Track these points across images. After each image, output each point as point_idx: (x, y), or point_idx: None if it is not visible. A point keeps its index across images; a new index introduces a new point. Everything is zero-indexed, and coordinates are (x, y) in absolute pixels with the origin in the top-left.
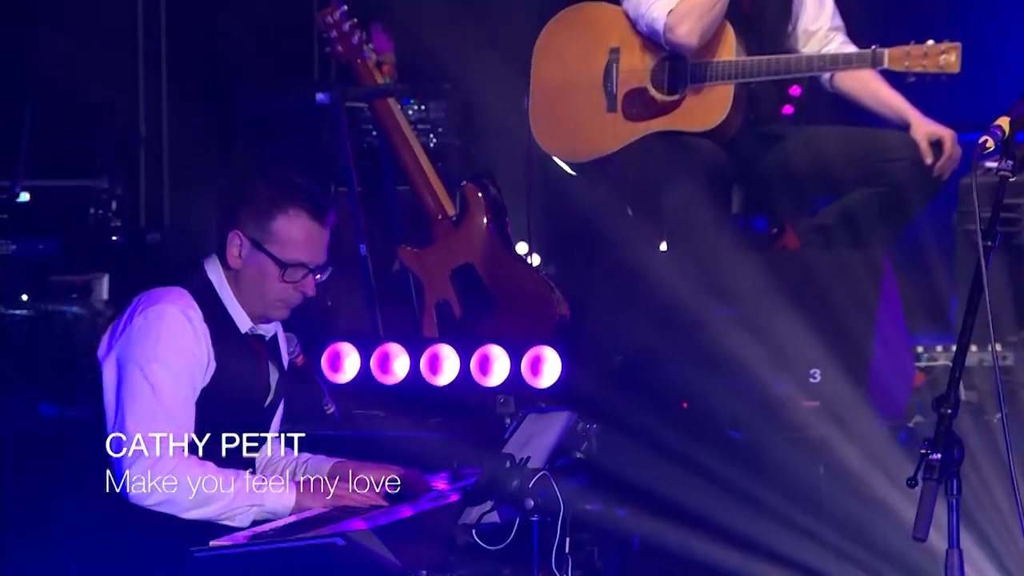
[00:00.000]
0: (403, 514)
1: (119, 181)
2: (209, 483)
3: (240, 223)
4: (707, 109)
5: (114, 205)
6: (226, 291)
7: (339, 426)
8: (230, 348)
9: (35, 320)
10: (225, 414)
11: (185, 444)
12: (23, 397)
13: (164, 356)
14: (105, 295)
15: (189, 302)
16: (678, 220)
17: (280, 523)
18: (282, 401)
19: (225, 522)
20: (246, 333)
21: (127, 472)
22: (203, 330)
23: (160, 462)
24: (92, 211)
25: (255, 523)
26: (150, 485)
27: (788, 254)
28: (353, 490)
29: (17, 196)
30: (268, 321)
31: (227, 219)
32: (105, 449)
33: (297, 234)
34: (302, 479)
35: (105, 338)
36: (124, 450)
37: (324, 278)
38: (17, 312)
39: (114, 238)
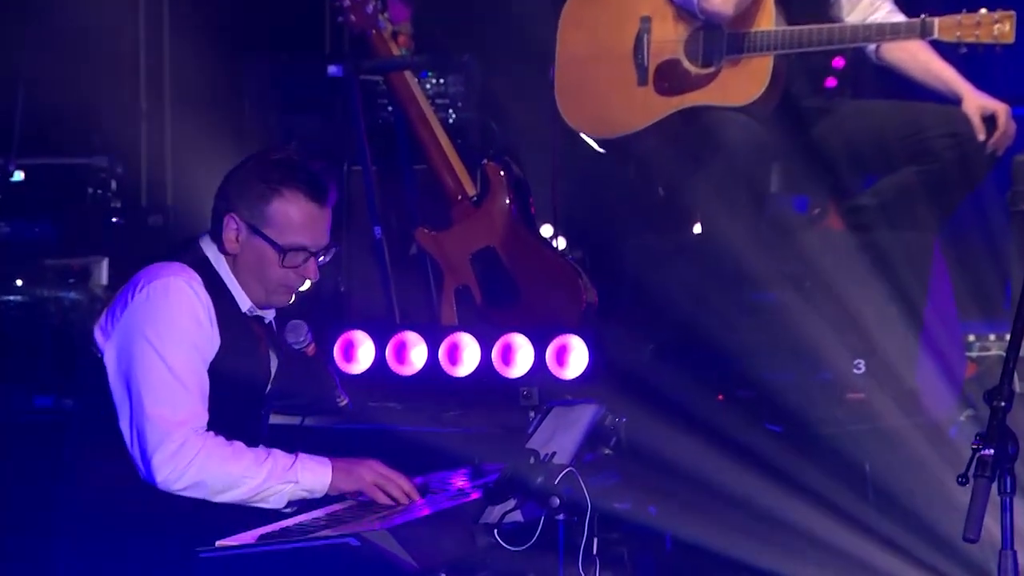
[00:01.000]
0: (421, 513)
1: (119, 159)
2: (240, 463)
3: (235, 206)
4: (744, 82)
5: (114, 184)
6: (224, 269)
7: (352, 419)
8: (232, 326)
9: (30, 307)
10: (226, 399)
11: (205, 421)
12: (17, 388)
13: (175, 330)
14: (104, 280)
15: (192, 274)
16: (713, 200)
17: (290, 522)
18: (278, 391)
19: (259, 504)
20: (246, 313)
21: (153, 458)
22: (208, 302)
23: (187, 444)
24: (90, 191)
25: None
26: (180, 470)
27: (830, 236)
28: (388, 477)
29: (10, 175)
30: (269, 307)
31: (222, 202)
32: (111, 439)
33: (295, 217)
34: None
35: (103, 322)
36: (147, 435)
37: (328, 260)
38: (11, 298)
39: (114, 220)
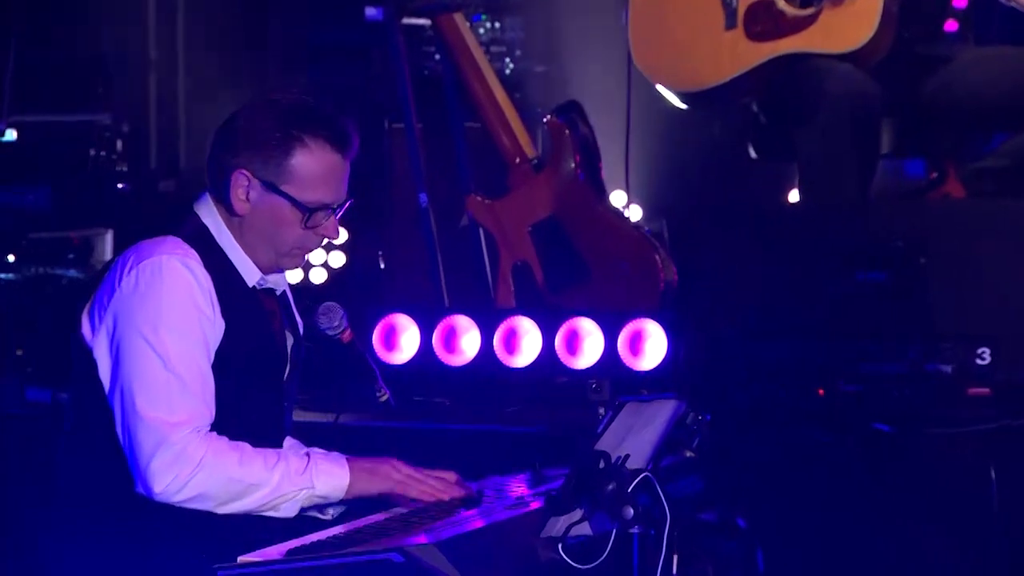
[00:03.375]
0: (473, 525)
1: (125, 116)
2: (249, 468)
3: (246, 160)
4: (850, 25)
5: (119, 145)
6: (227, 238)
7: (394, 416)
8: (238, 305)
9: (22, 286)
10: (238, 391)
11: (208, 422)
12: (7, 380)
13: (170, 318)
14: (108, 255)
15: (187, 250)
16: (813, 163)
17: (322, 535)
18: (299, 376)
19: (269, 513)
20: (254, 287)
21: (150, 466)
22: (207, 282)
23: (187, 449)
24: (92, 152)
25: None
26: (181, 479)
27: (950, 204)
28: (414, 476)
29: (1, 134)
30: (279, 271)
31: (228, 156)
32: (108, 443)
33: (319, 169)
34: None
35: (89, 311)
36: (140, 440)
37: (342, 214)
38: (1, 276)
39: (119, 185)
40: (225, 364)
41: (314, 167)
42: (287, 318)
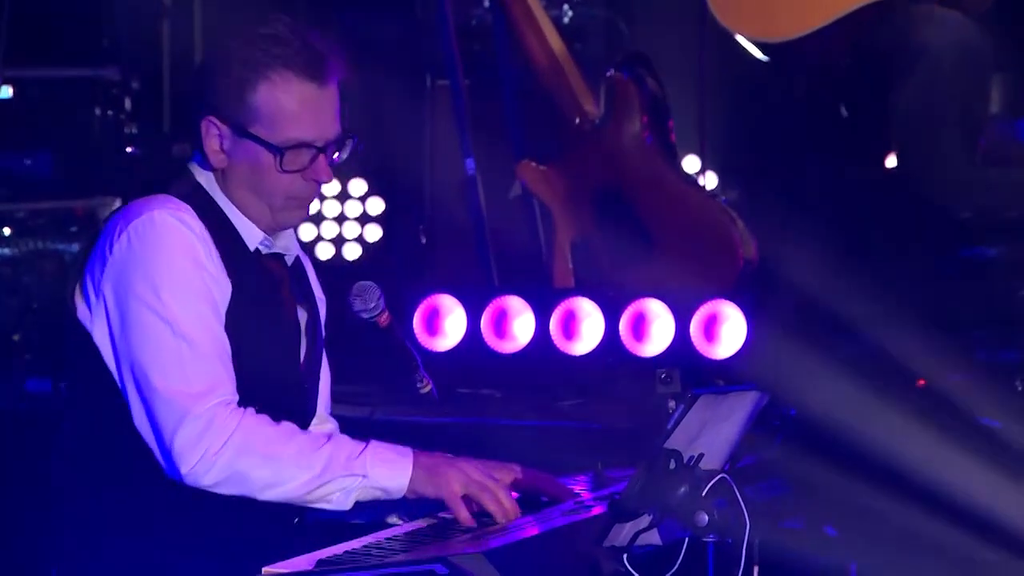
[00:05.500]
0: (527, 532)
1: (134, 70)
2: (290, 446)
3: (212, 104)
4: None
5: (128, 104)
6: (222, 196)
7: (437, 410)
8: (241, 270)
9: (20, 262)
10: (248, 367)
11: (233, 391)
12: (4, 368)
13: (171, 278)
14: None
15: (179, 204)
16: (913, 123)
17: (356, 543)
18: (322, 354)
19: (317, 505)
20: (257, 249)
21: (174, 445)
22: (205, 235)
23: (215, 422)
24: (98, 112)
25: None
26: (210, 457)
27: None
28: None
29: None
30: (282, 228)
31: (195, 102)
32: (110, 441)
33: (288, 103)
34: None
35: (81, 288)
36: (160, 418)
37: (344, 156)
38: None
39: (128, 149)
40: (235, 330)
41: (281, 100)
42: (299, 290)
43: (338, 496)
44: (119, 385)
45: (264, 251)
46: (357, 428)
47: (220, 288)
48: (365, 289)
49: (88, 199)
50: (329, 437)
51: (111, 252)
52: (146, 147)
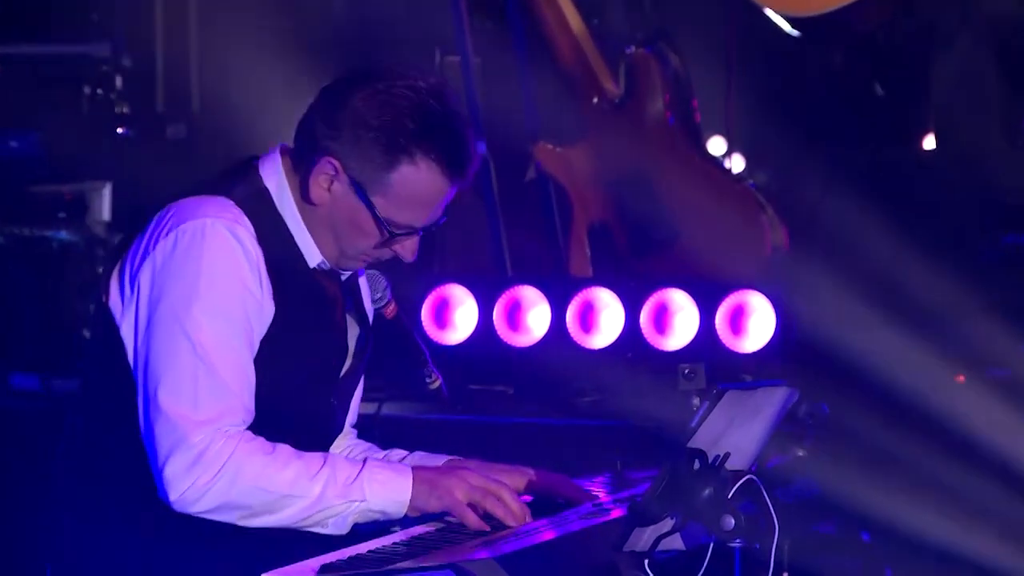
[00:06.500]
0: (542, 537)
1: (126, 47)
2: (285, 474)
3: (341, 151)
4: None
5: (119, 82)
6: (291, 209)
7: (447, 407)
8: (293, 286)
9: (5, 250)
10: (283, 387)
11: (243, 421)
12: None
13: (208, 295)
14: (107, 214)
15: (237, 215)
16: (953, 103)
17: (362, 548)
18: (363, 371)
19: (314, 529)
20: (316, 268)
21: (166, 469)
22: (257, 255)
23: (209, 452)
24: (88, 91)
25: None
26: (200, 486)
27: None
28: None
29: None
30: (341, 270)
31: (324, 135)
32: (122, 435)
33: (422, 191)
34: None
35: (119, 274)
36: (158, 438)
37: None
38: None
39: (119, 130)
40: (271, 354)
41: (415, 188)
42: (352, 305)
43: (334, 521)
44: (134, 385)
45: (321, 268)
46: (362, 424)
47: (260, 313)
48: (371, 278)
49: (77, 183)
50: (326, 460)
51: (154, 248)
52: (137, 128)
